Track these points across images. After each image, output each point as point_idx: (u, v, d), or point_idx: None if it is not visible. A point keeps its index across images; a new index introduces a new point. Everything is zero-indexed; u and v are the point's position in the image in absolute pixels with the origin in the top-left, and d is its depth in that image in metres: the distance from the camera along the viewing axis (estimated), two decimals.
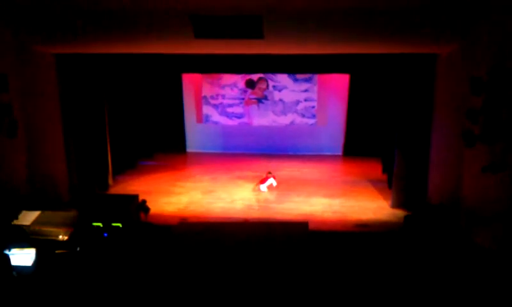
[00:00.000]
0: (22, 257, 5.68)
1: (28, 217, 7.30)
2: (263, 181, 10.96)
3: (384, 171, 11.83)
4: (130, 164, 12.84)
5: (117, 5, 6.95)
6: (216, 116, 14.99)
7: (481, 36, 6.99)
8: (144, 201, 8.81)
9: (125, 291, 5.45)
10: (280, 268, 5.95)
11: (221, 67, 11.47)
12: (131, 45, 8.52)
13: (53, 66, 9.06)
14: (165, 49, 9.01)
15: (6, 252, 5.57)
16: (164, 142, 14.91)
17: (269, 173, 11.06)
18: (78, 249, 6.55)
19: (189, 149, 15.28)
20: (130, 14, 7.29)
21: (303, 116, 14.61)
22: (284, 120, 14.74)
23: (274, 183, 10.98)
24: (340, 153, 14.75)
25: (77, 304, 5.17)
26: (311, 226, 7.76)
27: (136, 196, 8.74)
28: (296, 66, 10.82)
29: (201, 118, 15.09)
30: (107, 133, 10.85)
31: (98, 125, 10.57)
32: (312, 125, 14.64)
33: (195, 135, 15.27)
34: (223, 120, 14.99)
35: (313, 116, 14.59)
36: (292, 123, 14.71)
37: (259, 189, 10.85)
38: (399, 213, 9.21)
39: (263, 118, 14.81)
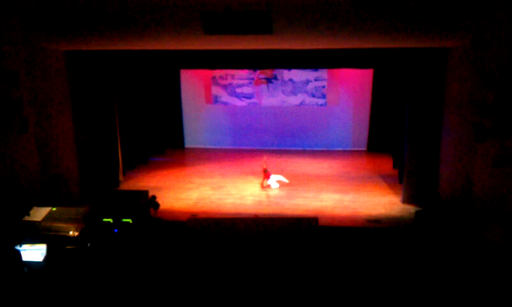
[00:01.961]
0: (33, 253, 5.74)
1: (39, 213, 7.37)
2: (267, 176, 10.89)
3: (395, 166, 11.75)
4: (141, 160, 12.90)
5: (128, 2, 6.96)
6: (225, 97, 14.73)
7: (493, 29, 6.89)
8: (154, 197, 8.85)
9: (135, 287, 5.47)
10: (289, 264, 5.93)
11: (230, 63, 11.35)
12: (141, 42, 8.52)
13: (63, 64, 9.11)
14: (175, 45, 9.01)
15: (17, 248, 5.63)
16: (175, 138, 14.93)
17: (265, 170, 10.88)
18: (88, 244, 6.58)
19: (198, 145, 15.23)
20: (140, 10, 7.30)
21: (313, 95, 14.27)
22: (294, 100, 14.41)
23: (286, 181, 10.94)
24: (349, 148, 14.57)
25: (87, 300, 5.20)
26: (321, 222, 7.68)
27: (146, 192, 8.78)
28: (306, 61, 10.67)
29: (211, 99, 14.84)
30: (118, 130, 10.91)
31: (109, 121, 10.63)
32: (322, 105, 14.30)
33: (203, 131, 15.21)
34: (232, 101, 14.71)
35: (324, 96, 14.24)
36: (301, 103, 14.39)
37: (269, 186, 10.81)
38: (410, 208, 9.15)
39: (272, 98, 14.49)
